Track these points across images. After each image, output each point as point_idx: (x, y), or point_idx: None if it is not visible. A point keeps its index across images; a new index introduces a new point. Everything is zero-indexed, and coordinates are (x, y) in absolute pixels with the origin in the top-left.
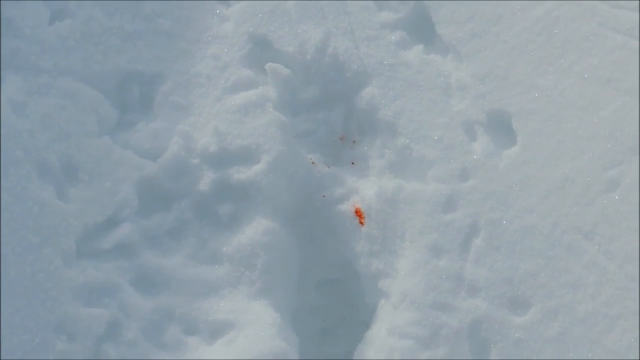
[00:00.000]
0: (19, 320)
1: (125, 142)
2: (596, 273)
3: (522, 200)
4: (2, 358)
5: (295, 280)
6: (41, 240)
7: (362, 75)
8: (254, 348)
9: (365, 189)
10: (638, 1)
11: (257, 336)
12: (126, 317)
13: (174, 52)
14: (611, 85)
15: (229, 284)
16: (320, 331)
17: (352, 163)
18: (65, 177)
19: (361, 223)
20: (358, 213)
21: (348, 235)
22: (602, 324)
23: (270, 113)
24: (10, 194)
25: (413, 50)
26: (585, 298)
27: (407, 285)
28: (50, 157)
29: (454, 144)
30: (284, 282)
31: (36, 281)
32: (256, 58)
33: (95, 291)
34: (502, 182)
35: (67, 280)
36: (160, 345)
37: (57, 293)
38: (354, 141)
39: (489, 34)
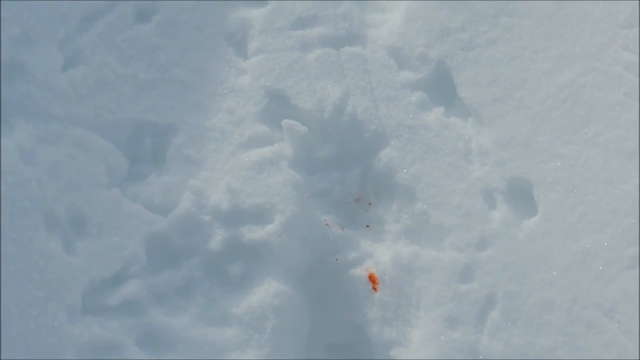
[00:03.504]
0: None
1: (135, 195)
2: (616, 353)
3: (541, 273)
4: None
5: (304, 344)
6: (46, 294)
7: (380, 136)
8: None
9: (380, 253)
10: None
11: None
12: None
13: (188, 103)
14: (636, 159)
15: (237, 347)
16: None
17: (367, 226)
18: (73, 229)
19: (374, 289)
20: (372, 278)
21: (360, 301)
22: None
23: (285, 171)
24: (17, 245)
25: (433, 112)
26: None
27: (420, 356)
28: (58, 209)
29: (472, 212)
30: (293, 346)
31: (39, 337)
32: (272, 113)
33: (100, 349)
34: (521, 253)
35: (71, 337)
36: None
37: (61, 350)
38: (370, 203)
39: (512, 99)
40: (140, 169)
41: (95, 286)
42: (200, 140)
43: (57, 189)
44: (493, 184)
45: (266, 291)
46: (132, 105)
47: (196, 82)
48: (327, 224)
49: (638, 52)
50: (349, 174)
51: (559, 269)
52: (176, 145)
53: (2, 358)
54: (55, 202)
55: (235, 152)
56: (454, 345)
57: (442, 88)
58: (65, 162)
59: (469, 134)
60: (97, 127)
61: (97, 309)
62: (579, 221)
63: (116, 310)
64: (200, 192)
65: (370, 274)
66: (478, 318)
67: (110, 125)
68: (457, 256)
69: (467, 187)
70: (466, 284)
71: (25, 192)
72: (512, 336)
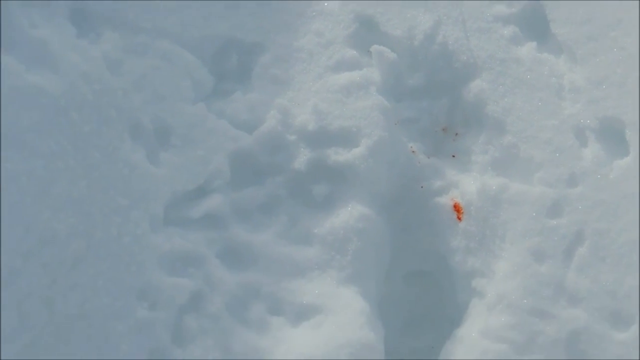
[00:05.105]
0: (102, 283)
1: (221, 111)
2: None
3: (631, 214)
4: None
5: (385, 270)
6: (130, 203)
7: (471, 67)
8: (342, 336)
9: (466, 184)
10: None
11: (345, 324)
12: (210, 290)
13: (276, 23)
14: None
15: (318, 267)
16: (404, 323)
17: (453, 156)
18: (158, 140)
19: (459, 218)
20: (457, 208)
21: (444, 229)
22: None
23: (373, 96)
24: (102, 153)
25: (525, 47)
26: None
27: (504, 288)
28: (143, 119)
29: (563, 148)
30: (374, 271)
31: (122, 245)
32: (361, 39)
33: (181, 260)
34: (612, 193)
35: (153, 247)
36: (243, 321)
37: (142, 259)
38: (457, 134)
39: (606, 39)
40: (225, 86)
41: (178, 198)
42: (287, 61)
43: (143, 100)
44: (585, 122)
45: (350, 214)
46: (220, 22)
47: (284, 3)
48: (413, 152)
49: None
50: (437, 103)
51: None
52: (262, 64)
53: (86, 263)
54: (140, 113)
55: (322, 74)
56: (540, 279)
57: (534, 24)
58: (151, 73)
59: (562, 71)
60: (183, 41)
61: (180, 220)
62: None
63: (198, 222)
64: (286, 112)
65: (455, 203)
66: (565, 253)
67: (196, 41)
68: (546, 191)
69: (559, 124)
70: (554, 219)
71: (111, 101)
72: (600, 273)
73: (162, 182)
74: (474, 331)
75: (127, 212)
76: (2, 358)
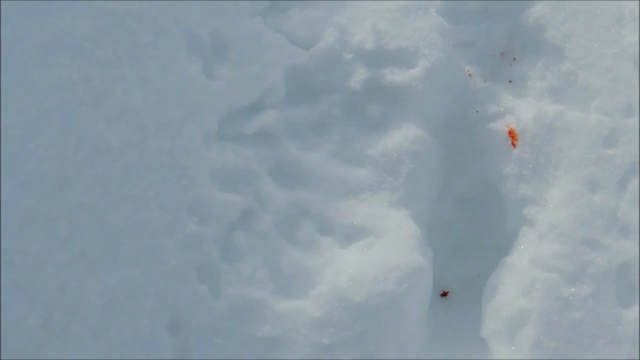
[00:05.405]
0: (153, 195)
1: (278, 26)
2: None
3: None
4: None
5: (436, 194)
6: (183, 115)
7: None
8: (392, 258)
9: (522, 110)
10: None
11: (395, 246)
12: (261, 207)
13: None
14: None
15: (369, 188)
16: (451, 249)
17: (510, 81)
18: (214, 54)
19: (513, 145)
20: (511, 134)
21: (497, 156)
22: None
23: (432, 17)
24: (157, 64)
25: None
26: None
27: (556, 216)
28: (200, 32)
29: (622, 77)
30: (426, 195)
31: (174, 157)
32: None
33: (233, 176)
34: None
35: (206, 161)
36: (292, 240)
37: (194, 173)
38: (514, 59)
39: None
40: (283, 1)
41: (232, 113)
42: None
43: (200, 13)
44: None
45: (404, 136)
46: None
47: None
48: (469, 75)
49: None
50: (496, 27)
51: None
52: None
53: (140, 174)
54: (198, 25)
55: None
56: (593, 209)
57: None
58: None
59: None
60: None
61: (233, 135)
62: None
63: (251, 138)
64: (344, 29)
65: (510, 129)
66: (620, 184)
67: None
68: (603, 120)
69: (619, 52)
70: (610, 148)
71: (168, 12)
72: None
73: (217, 96)
74: (523, 259)
75: (181, 125)
76: (53, 266)
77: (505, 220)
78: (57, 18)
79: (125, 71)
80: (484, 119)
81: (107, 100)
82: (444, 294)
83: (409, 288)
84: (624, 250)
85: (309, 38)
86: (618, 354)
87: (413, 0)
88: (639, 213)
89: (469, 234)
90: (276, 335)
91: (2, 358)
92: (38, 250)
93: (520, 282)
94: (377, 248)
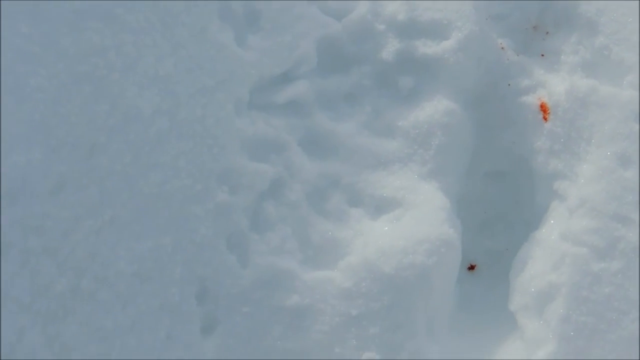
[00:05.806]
0: (183, 163)
1: None
2: None
3: None
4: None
5: (466, 167)
6: (215, 84)
7: None
8: (421, 230)
9: (555, 84)
10: None
11: (425, 218)
12: (291, 177)
13: None
14: None
15: (399, 160)
16: (479, 223)
17: (542, 55)
18: (246, 23)
19: (545, 119)
20: (543, 108)
21: (529, 129)
22: None
23: None
24: (190, 32)
25: None
26: None
27: (588, 191)
28: (233, 0)
29: None
30: (456, 167)
31: (205, 125)
32: None
33: (263, 145)
34: None
35: (237, 130)
36: (322, 212)
37: (225, 142)
38: (547, 32)
39: None
40: None
41: (264, 82)
42: None
43: None
44: None
45: (435, 108)
46: None
47: None
48: (502, 48)
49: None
50: (529, 0)
51: None
52: None
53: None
54: None
55: None
56: (624, 184)
57: None
58: None
59: None
60: None
61: (264, 105)
62: None
63: (282, 108)
64: (376, 0)
65: (542, 103)
66: None
67: None
68: (635, 95)
69: None
70: None
71: None
72: None
73: (249, 65)
74: (553, 234)
75: (212, 93)
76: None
77: (535, 195)
78: None
79: (157, 38)
80: (515, 92)
81: (139, 66)
82: (471, 267)
83: (438, 261)
84: None
85: (341, 8)
86: None
87: None
88: None
89: (498, 207)
90: (304, 305)
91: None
92: (68, 216)
93: (550, 256)
94: (407, 220)
